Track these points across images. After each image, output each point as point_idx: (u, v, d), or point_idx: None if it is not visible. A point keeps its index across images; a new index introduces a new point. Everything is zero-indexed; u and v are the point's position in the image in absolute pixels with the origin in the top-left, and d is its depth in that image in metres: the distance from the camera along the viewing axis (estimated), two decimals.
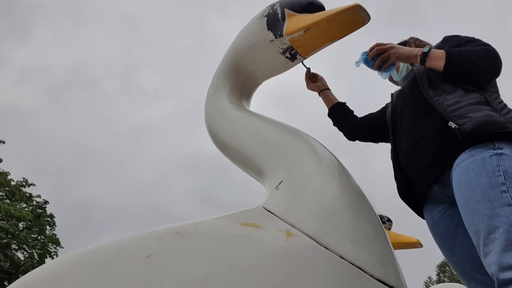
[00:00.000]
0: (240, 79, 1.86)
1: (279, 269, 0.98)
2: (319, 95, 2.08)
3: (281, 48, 1.67)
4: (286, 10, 1.64)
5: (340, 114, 2.00)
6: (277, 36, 1.64)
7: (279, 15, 1.65)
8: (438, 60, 1.43)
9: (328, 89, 2.06)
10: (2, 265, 21.12)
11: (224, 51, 1.92)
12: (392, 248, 1.22)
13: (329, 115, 2.03)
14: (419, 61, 1.49)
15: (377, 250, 1.12)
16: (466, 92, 1.39)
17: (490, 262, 1.09)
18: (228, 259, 0.99)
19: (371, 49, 1.62)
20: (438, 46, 1.61)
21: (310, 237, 1.06)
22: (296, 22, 1.59)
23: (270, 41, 1.67)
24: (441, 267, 38.51)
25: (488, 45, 1.46)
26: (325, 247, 1.04)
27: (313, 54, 1.71)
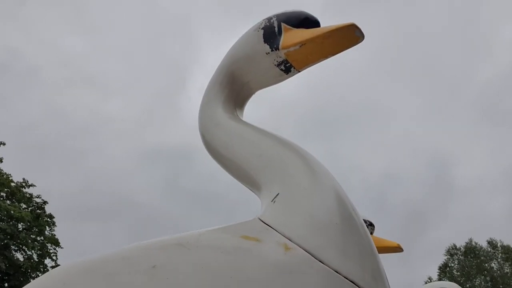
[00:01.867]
0: (235, 88, 1.90)
1: (278, 282, 1.03)
2: None
3: (277, 61, 1.70)
4: (283, 24, 1.68)
5: None
6: (273, 49, 1.68)
7: (276, 29, 1.69)
8: None
9: None
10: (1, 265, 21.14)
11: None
12: (381, 261, 1.27)
13: None
14: None
15: (368, 264, 1.16)
16: None
17: None
18: (229, 271, 1.03)
19: None
20: None
21: (306, 251, 1.10)
22: (292, 37, 1.62)
23: (266, 53, 1.71)
24: (442, 268, 38.63)
25: None
26: (320, 261, 1.08)
27: (307, 67, 1.74)
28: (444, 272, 37.81)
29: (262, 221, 1.23)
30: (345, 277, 1.07)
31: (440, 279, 36.03)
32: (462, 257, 37.93)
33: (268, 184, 1.41)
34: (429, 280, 36.46)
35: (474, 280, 36.33)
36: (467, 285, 34.64)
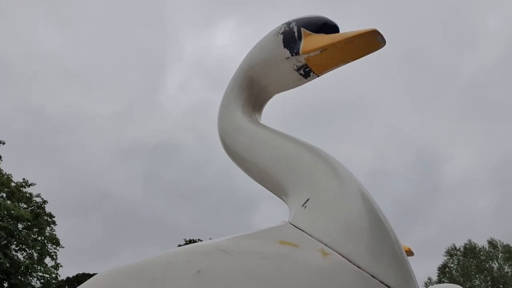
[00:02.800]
0: (254, 92, 1.91)
1: (319, 287, 1.05)
2: None
3: (296, 66, 1.72)
4: (303, 29, 1.69)
5: None
6: (293, 54, 1.69)
7: (296, 34, 1.70)
8: None
9: None
10: (1, 263, 21.08)
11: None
12: (410, 264, 1.27)
13: None
14: None
15: (400, 268, 1.18)
16: None
17: None
18: (272, 277, 1.05)
19: None
20: None
21: (343, 256, 1.12)
22: (312, 42, 1.63)
23: (286, 58, 1.72)
24: (442, 269, 38.62)
25: None
26: (357, 266, 1.10)
27: (326, 72, 1.75)
28: (444, 272, 37.83)
29: (295, 226, 1.25)
30: (381, 282, 1.09)
31: (440, 280, 36.06)
32: (462, 257, 37.95)
33: (296, 188, 1.42)
34: (428, 281, 36.48)
35: (474, 280, 36.36)
36: (467, 285, 34.65)
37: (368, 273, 1.09)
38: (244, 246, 1.15)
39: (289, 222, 1.28)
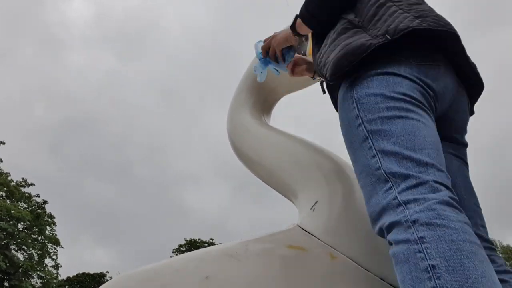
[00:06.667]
0: (263, 94, 1.93)
1: None
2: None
3: None
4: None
5: None
6: (302, 55, 1.68)
7: (304, 37, 1.69)
8: (301, 24, 1.32)
9: None
10: (0, 265, 21.08)
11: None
12: None
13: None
14: (293, 35, 1.40)
15: None
16: (334, 27, 1.17)
17: None
18: (280, 281, 1.06)
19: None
20: None
21: (351, 260, 1.11)
22: None
23: None
24: None
25: None
26: (366, 269, 1.09)
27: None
28: None
29: (303, 229, 1.24)
30: (391, 284, 1.08)
31: None
32: None
33: (305, 191, 1.42)
34: None
35: None
36: None
37: (377, 276, 1.09)
38: (252, 250, 1.16)
39: (298, 225, 1.27)
